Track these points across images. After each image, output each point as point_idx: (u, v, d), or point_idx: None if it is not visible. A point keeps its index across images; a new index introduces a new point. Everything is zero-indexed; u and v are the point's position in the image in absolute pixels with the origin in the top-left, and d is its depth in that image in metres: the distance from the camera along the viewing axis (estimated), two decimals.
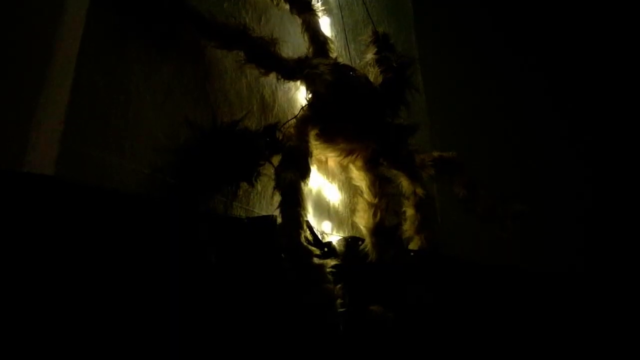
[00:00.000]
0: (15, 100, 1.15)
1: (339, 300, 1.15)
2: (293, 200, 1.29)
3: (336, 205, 1.71)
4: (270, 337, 1.19)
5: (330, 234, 1.63)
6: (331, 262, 1.22)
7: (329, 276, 1.19)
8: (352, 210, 1.68)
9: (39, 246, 0.96)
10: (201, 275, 1.20)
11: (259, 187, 1.43)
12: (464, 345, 1.63)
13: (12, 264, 0.94)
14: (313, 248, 1.23)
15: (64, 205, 1.02)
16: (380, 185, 1.61)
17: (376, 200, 1.57)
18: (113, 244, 1.07)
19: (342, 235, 1.65)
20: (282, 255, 1.22)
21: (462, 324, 1.65)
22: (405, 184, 1.69)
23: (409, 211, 1.68)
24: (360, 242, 1.56)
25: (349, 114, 1.60)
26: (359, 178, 1.63)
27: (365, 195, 1.59)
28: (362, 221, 1.57)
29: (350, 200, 1.74)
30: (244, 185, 1.34)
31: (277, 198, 1.33)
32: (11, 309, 0.92)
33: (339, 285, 1.17)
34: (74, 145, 1.12)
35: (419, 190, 1.69)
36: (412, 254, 1.63)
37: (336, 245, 1.54)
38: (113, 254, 1.07)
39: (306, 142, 1.46)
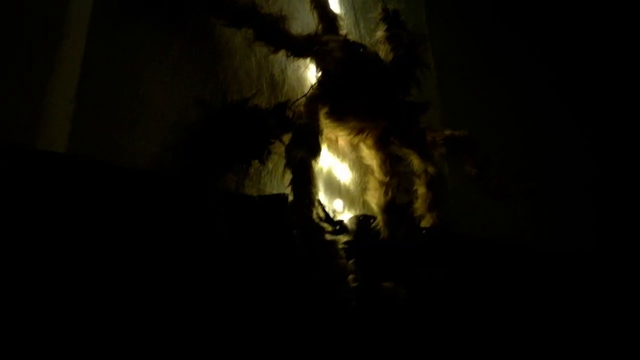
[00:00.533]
0: (26, 80, 1.15)
1: (351, 276, 1.15)
2: (304, 178, 1.29)
3: (347, 184, 1.71)
4: (282, 314, 1.19)
5: (342, 212, 1.63)
6: (343, 239, 1.21)
7: (341, 252, 1.19)
8: (363, 189, 1.67)
9: (52, 222, 0.96)
10: (213, 253, 1.21)
11: (270, 166, 1.43)
12: (475, 323, 1.63)
13: (25, 239, 0.94)
14: (325, 225, 1.23)
15: (76, 182, 1.03)
16: (391, 163, 1.60)
17: (387, 179, 1.57)
18: (124, 220, 1.08)
19: (354, 213, 1.65)
20: (294, 232, 1.22)
21: (474, 302, 1.64)
22: (416, 162, 1.68)
23: (420, 189, 1.66)
24: (371, 221, 1.56)
25: (359, 92, 1.58)
26: (370, 157, 1.62)
27: (376, 174, 1.58)
28: (373, 199, 1.56)
29: (361, 179, 1.73)
30: (255, 163, 1.34)
31: (288, 176, 1.33)
32: (25, 284, 0.93)
33: (351, 261, 1.17)
34: (84, 124, 1.12)
35: (430, 169, 1.67)
36: (423, 232, 1.62)
37: (347, 224, 1.54)
38: (124, 231, 1.07)
39: (316, 121, 1.45)
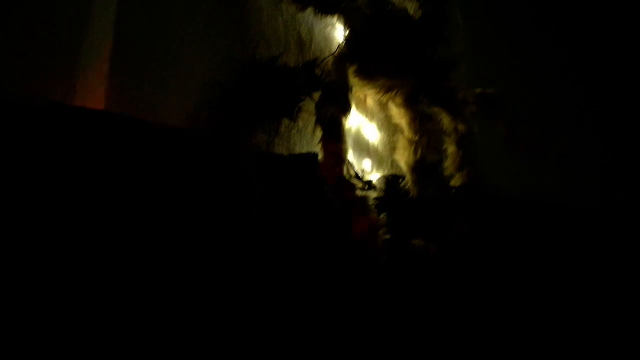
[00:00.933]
0: (62, 40, 1.17)
1: (382, 230, 1.16)
2: (335, 135, 1.29)
3: (375, 144, 1.71)
4: (315, 267, 1.21)
5: (370, 172, 1.63)
6: (374, 195, 1.22)
7: (372, 208, 1.20)
8: (392, 148, 1.67)
9: (92, 176, 0.99)
10: (246, 209, 1.23)
11: (300, 124, 1.43)
12: (504, 279, 1.63)
13: (66, 192, 0.97)
14: (355, 181, 1.24)
15: (114, 138, 1.05)
16: (421, 122, 1.59)
17: (417, 138, 1.56)
18: (159, 176, 1.10)
19: (382, 173, 1.65)
20: (325, 189, 1.23)
21: (502, 260, 1.64)
22: (446, 121, 1.66)
23: (451, 148, 1.65)
24: (400, 180, 1.56)
25: (388, 50, 1.56)
26: (399, 115, 1.61)
27: (406, 133, 1.57)
28: (403, 159, 1.56)
29: (389, 139, 1.72)
30: (285, 121, 1.34)
31: (318, 135, 1.34)
32: (66, 234, 0.97)
33: (382, 215, 1.18)
34: (119, 82, 1.14)
35: (461, 127, 1.65)
36: (453, 191, 1.62)
37: (376, 183, 1.54)
38: (159, 187, 1.09)
39: (346, 79, 1.45)
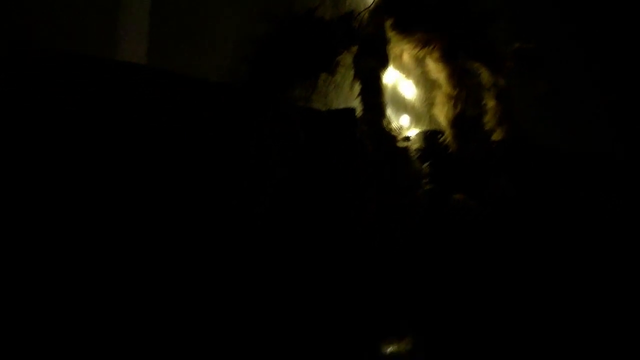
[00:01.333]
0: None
1: (425, 180, 1.15)
2: (373, 88, 1.28)
3: (413, 100, 1.68)
4: (354, 218, 1.21)
5: (408, 128, 1.61)
6: (415, 145, 1.21)
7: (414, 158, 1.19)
8: (430, 104, 1.64)
9: (134, 129, 1.01)
10: (285, 165, 1.23)
11: (338, 79, 1.42)
12: (544, 233, 1.61)
13: (105, 146, 0.99)
14: (396, 133, 1.22)
15: (155, 92, 1.06)
16: (459, 76, 1.56)
17: (456, 91, 1.53)
18: (198, 129, 1.11)
19: (420, 129, 1.63)
20: (366, 142, 1.22)
21: (544, 213, 1.62)
22: (485, 75, 1.62)
23: (490, 102, 1.61)
24: (439, 135, 1.54)
25: (425, 2, 1.52)
26: (437, 70, 1.57)
27: (444, 87, 1.54)
28: (442, 113, 1.53)
29: (427, 95, 1.69)
30: (323, 76, 1.33)
31: (355, 91, 1.32)
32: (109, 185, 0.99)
33: (425, 164, 1.17)
34: (159, 38, 1.14)
35: (501, 81, 1.61)
36: (493, 145, 1.59)
37: (415, 139, 1.52)
38: (200, 139, 1.10)
39: (383, 32, 1.42)
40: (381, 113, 1.24)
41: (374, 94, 1.26)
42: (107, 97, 0.98)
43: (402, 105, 1.66)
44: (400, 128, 1.59)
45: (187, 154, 1.07)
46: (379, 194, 1.18)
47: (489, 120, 1.63)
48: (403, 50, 1.64)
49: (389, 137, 1.20)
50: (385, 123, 1.23)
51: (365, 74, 1.28)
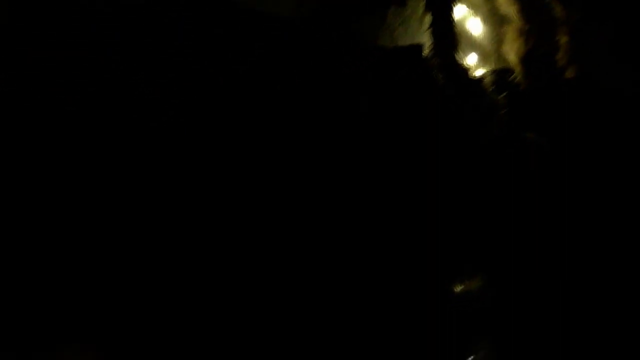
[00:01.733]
0: None
1: (503, 111, 1.11)
2: (445, 19, 1.23)
3: (480, 38, 1.61)
4: (429, 150, 1.18)
5: (476, 67, 1.55)
6: (488, 78, 1.16)
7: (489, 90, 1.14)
8: (499, 41, 1.57)
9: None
10: (360, 100, 1.20)
11: (405, 13, 1.37)
12: (614, 172, 1.54)
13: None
14: (467, 65, 1.18)
15: (230, 27, 1.05)
16: (532, 10, 1.48)
17: (527, 27, 1.45)
18: (270, 59, 1.09)
19: (488, 68, 1.56)
20: (439, 75, 1.18)
21: (616, 152, 1.54)
22: (558, 9, 1.53)
23: (563, 39, 1.53)
24: (509, 73, 1.48)
25: None
26: (508, 3, 1.50)
27: (515, 22, 1.47)
28: (512, 50, 1.47)
29: (495, 32, 1.62)
30: (392, 9, 1.29)
31: (425, 26, 1.28)
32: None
33: (502, 95, 1.13)
34: None
35: (574, 16, 1.52)
36: (566, 82, 1.51)
37: (485, 77, 1.47)
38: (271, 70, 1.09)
39: None
40: (453, 46, 1.19)
41: (445, 26, 1.21)
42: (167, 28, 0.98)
43: (470, 44, 1.60)
44: (468, 67, 1.53)
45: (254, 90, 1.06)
46: (452, 128, 1.15)
47: (561, 57, 1.55)
48: None
49: (461, 70, 1.16)
50: (457, 56, 1.18)
51: (438, 6, 1.23)
